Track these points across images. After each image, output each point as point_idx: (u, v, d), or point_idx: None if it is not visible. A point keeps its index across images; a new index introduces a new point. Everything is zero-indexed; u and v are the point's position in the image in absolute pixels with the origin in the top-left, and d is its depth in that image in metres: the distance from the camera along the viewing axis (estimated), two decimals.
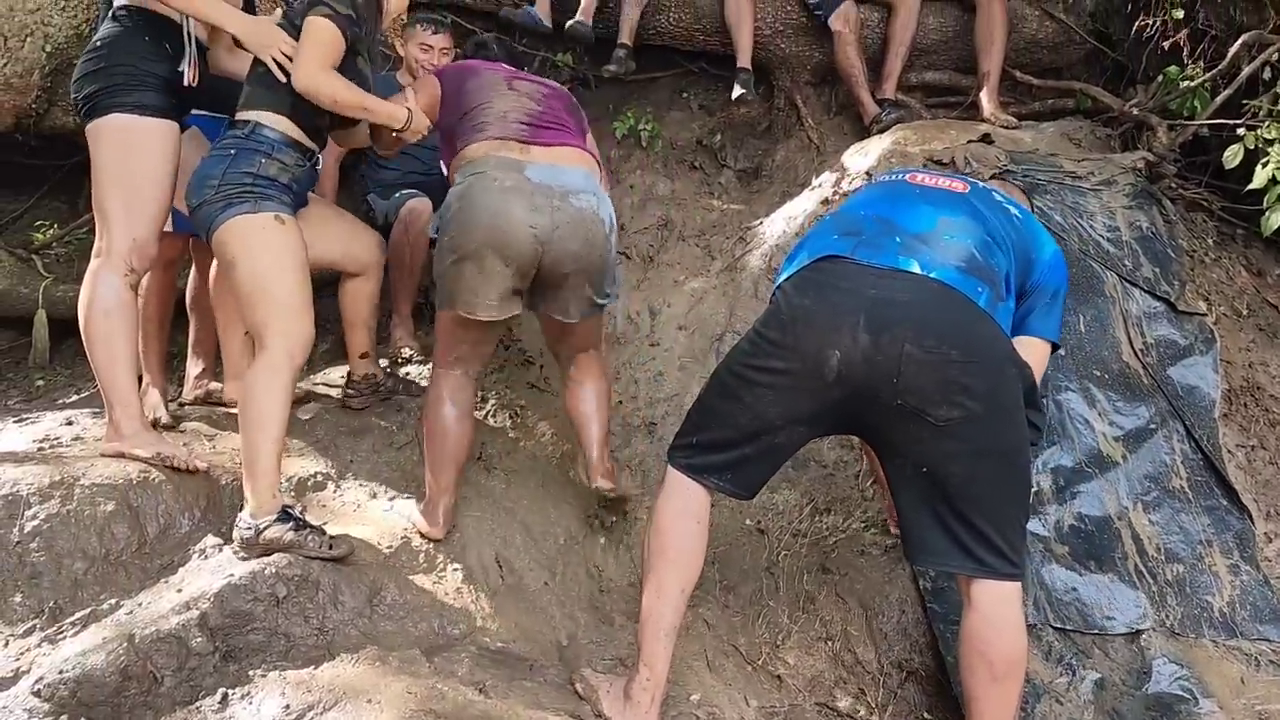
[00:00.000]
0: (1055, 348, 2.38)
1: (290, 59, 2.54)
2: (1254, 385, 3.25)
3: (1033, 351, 2.25)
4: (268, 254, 2.47)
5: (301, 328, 2.50)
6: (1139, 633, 2.69)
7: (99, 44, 2.66)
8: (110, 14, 2.71)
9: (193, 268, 3.32)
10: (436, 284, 2.77)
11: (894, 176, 2.48)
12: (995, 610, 2.04)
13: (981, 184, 2.42)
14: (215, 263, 2.95)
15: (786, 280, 2.22)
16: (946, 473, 2.01)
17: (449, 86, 2.86)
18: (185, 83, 2.71)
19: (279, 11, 2.87)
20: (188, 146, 2.82)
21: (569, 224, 2.60)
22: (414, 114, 2.74)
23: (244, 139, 2.55)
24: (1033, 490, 2.71)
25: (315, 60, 2.51)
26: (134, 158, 2.58)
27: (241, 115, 2.60)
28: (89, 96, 2.61)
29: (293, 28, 2.60)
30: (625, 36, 4.42)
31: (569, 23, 4.35)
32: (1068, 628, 2.69)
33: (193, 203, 2.55)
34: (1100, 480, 2.93)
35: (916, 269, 2.04)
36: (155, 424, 2.91)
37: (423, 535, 2.72)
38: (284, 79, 2.54)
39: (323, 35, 2.53)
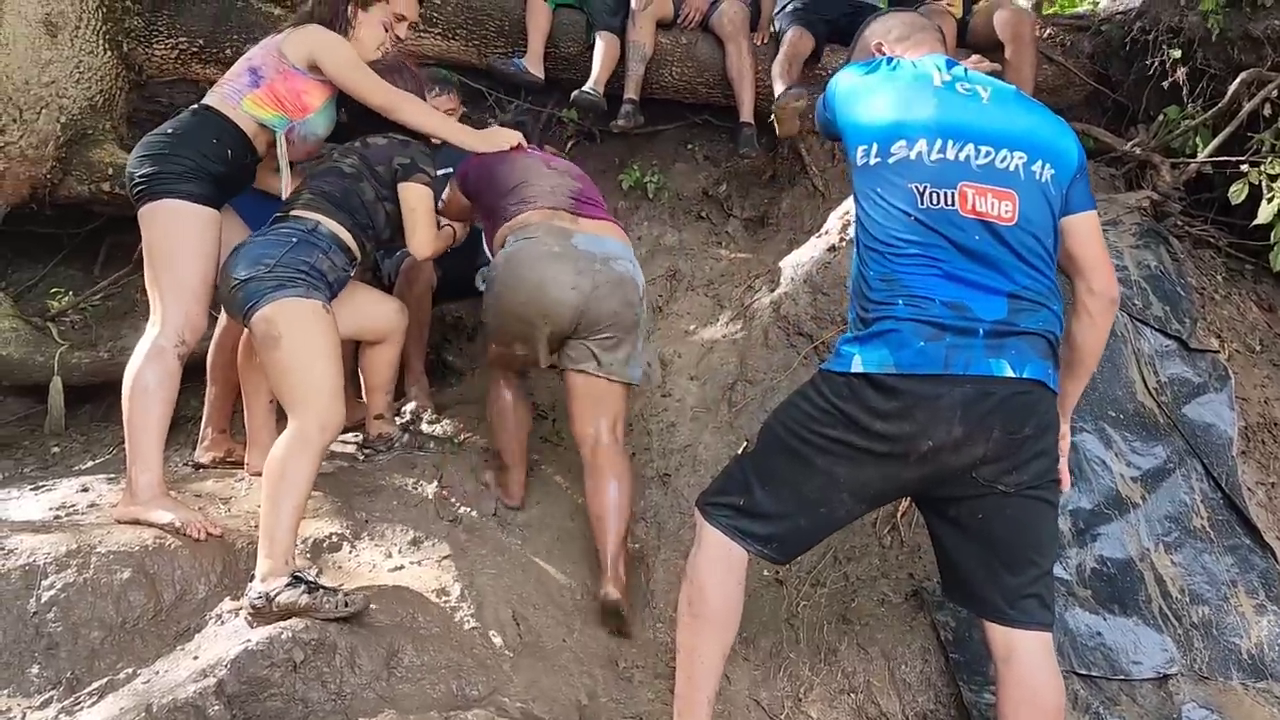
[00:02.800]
0: None
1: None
2: (1271, 421, 3.23)
3: (1085, 226, 2.17)
4: (312, 337, 2.60)
5: (336, 410, 2.60)
6: (1166, 677, 2.65)
7: (170, 131, 2.85)
8: (190, 108, 2.94)
9: (218, 330, 3.35)
10: (484, 323, 3.18)
11: (941, 199, 2.07)
12: (1042, 659, 2.09)
13: (1018, 167, 2.09)
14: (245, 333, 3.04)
15: (872, 374, 2.03)
16: (1005, 531, 2.07)
17: (477, 176, 3.16)
18: (283, 198, 3.00)
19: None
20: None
21: (609, 285, 2.87)
22: (457, 231, 3.34)
23: (306, 233, 2.74)
24: None
25: (428, 229, 3.01)
26: (186, 240, 2.75)
27: (303, 214, 2.80)
28: (147, 177, 2.77)
29: (372, 173, 2.94)
30: (631, 91, 4.48)
31: (577, 92, 4.41)
32: (1094, 674, 2.65)
33: (240, 275, 2.65)
34: (1120, 522, 2.91)
35: (1009, 372, 2.00)
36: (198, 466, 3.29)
37: (505, 505, 3.17)
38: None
39: (428, 204, 3.00)
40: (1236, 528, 2.93)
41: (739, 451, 2.31)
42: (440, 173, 3.29)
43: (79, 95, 3.93)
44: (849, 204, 4.00)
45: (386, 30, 3.20)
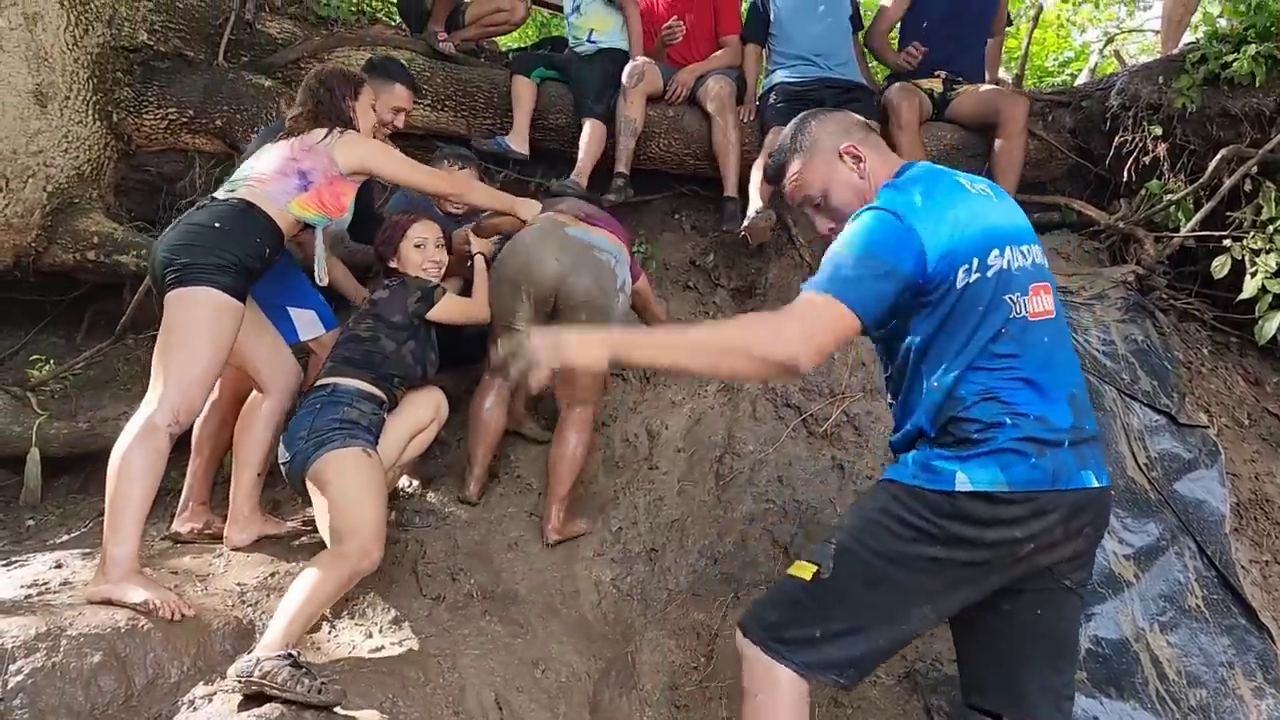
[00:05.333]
0: None
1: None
2: (1263, 498, 3.21)
3: None
4: (359, 479, 2.78)
5: (378, 547, 2.71)
6: None
7: (215, 225, 2.86)
8: (229, 201, 2.95)
9: (206, 403, 3.31)
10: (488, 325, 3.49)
11: (1024, 307, 2.03)
12: None
13: (1039, 260, 2.12)
14: (251, 397, 3.20)
15: (979, 491, 1.93)
16: (1062, 627, 2.06)
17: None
18: (318, 282, 3.26)
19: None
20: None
21: (587, 265, 3.33)
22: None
23: (327, 396, 2.97)
24: None
25: (468, 311, 3.40)
26: (209, 328, 2.79)
27: (322, 381, 3.04)
28: (186, 265, 2.80)
29: (389, 325, 3.19)
30: (622, 165, 4.52)
31: (561, 181, 4.47)
32: None
33: (286, 458, 2.90)
34: (1115, 601, 2.87)
35: (1095, 483, 1.99)
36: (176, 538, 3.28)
37: (460, 497, 3.49)
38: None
39: (455, 309, 3.34)
40: (1232, 607, 2.89)
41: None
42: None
43: (66, 164, 3.93)
44: None
45: (374, 111, 3.35)
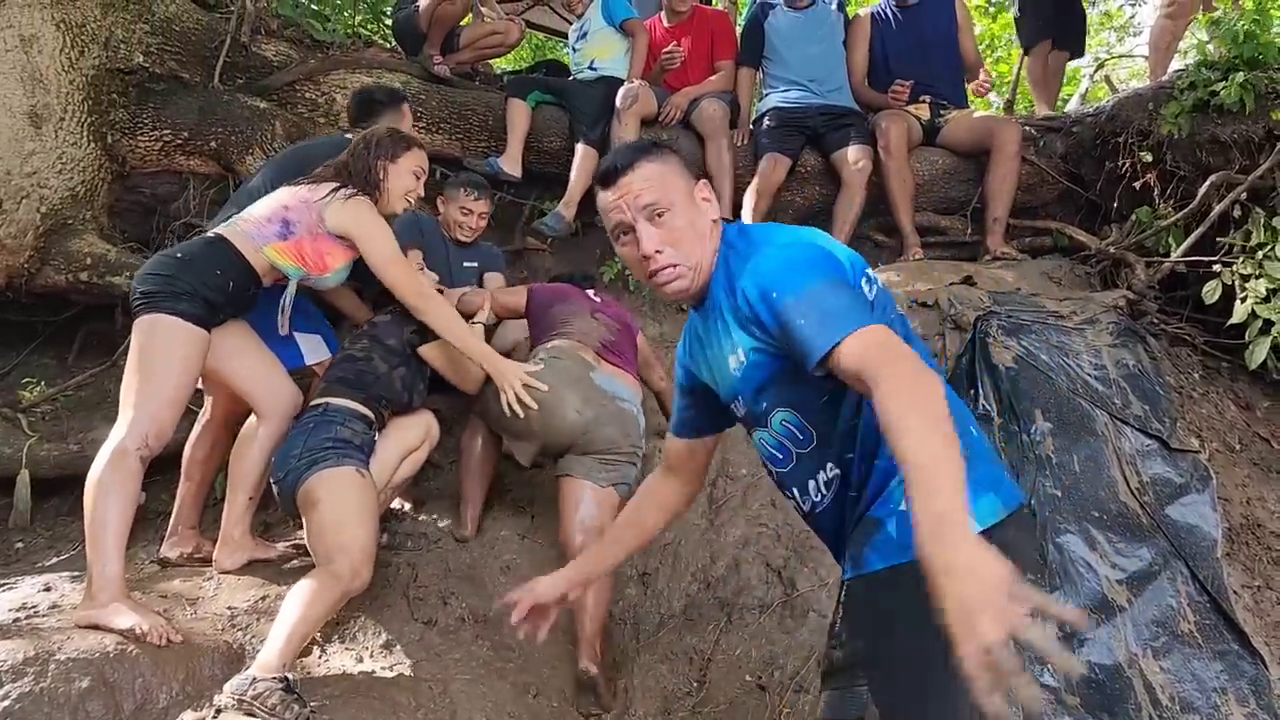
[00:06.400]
0: None
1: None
2: (1254, 522, 3.21)
3: None
4: (351, 499, 2.79)
5: (368, 567, 2.74)
6: None
7: (180, 255, 2.93)
8: (206, 234, 3.04)
9: (198, 425, 3.31)
10: (484, 406, 3.31)
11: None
12: None
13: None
14: (248, 422, 3.19)
15: (1009, 518, 1.69)
16: None
17: (538, 302, 3.60)
18: (280, 332, 3.20)
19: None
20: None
21: (610, 415, 3.20)
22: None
23: (319, 416, 2.97)
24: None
25: (459, 373, 3.32)
26: (173, 353, 2.82)
27: (315, 401, 3.05)
28: (147, 293, 2.84)
29: (384, 348, 3.20)
30: None
31: (539, 222, 4.53)
32: None
33: (279, 476, 2.89)
34: (1107, 626, 2.86)
35: None
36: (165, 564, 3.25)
37: (456, 535, 3.36)
38: (521, 412, 3.13)
39: (445, 349, 3.28)
40: (1224, 632, 2.89)
41: None
42: (467, 265, 4.06)
43: (60, 186, 3.94)
44: None
45: (417, 179, 3.22)
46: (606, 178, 1.81)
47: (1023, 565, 1.43)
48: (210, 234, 3.02)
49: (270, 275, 3.05)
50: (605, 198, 1.81)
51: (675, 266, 1.76)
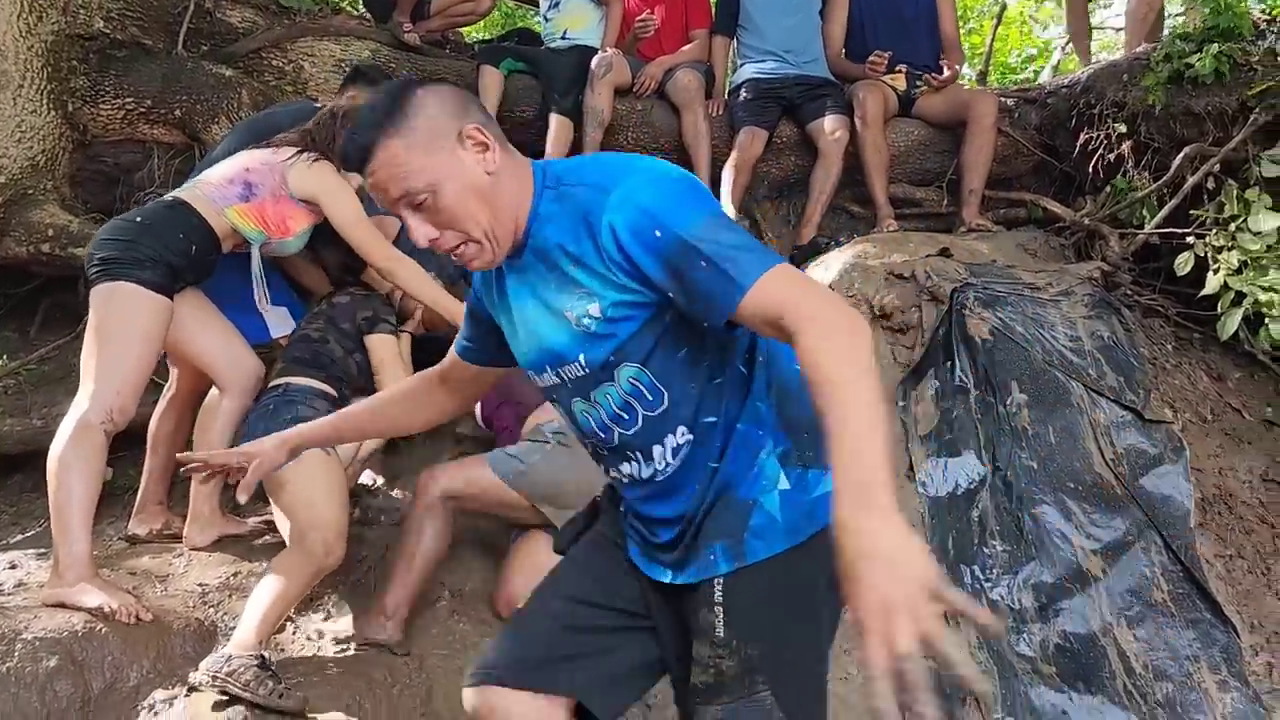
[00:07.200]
0: None
1: None
2: (1226, 492, 3.24)
3: None
4: (317, 477, 2.66)
5: (341, 544, 2.66)
6: None
7: (139, 220, 2.83)
8: (164, 199, 2.95)
9: (163, 399, 3.24)
10: (530, 479, 2.85)
11: None
12: None
13: None
14: (210, 396, 3.14)
15: None
16: None
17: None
18: (258, 306, 3.12)
19: None
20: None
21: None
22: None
23: (279, 396, 2.87)
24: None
25: (397, 377, 3.00)
26: (134, 322, 2.72)
27: (274, 382, 2.94)
28: (105, 260, 2.74)
29: (339, 331, 3.09)
30: None
31: None
32: None
33: None
34: (1082, 596, 2.88)
35: None
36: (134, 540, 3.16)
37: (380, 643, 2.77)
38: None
39: (394, 352, 3.14)
40: (1197, 601, 2.92)
41: None
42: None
43: (20, 155, 3.82)
44: (808, 272, 4.01)
45: None
46: (348, 165, 1.55)
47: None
48: (169, 198, 2.93)
49: (231, 240, 2.98)
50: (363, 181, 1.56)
51: (464, 245, 1.52)
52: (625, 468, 1.63)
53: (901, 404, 3.35)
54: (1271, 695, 2.78)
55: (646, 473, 1.60)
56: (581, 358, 1.54)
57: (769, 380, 1.58)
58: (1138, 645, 2.82)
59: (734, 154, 4.52)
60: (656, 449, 1.57)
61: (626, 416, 1.57)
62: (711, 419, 1.55)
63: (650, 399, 1.54)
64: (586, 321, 1.50)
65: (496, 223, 1.52)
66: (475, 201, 1.50)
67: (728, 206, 4.36)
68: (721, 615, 1.51)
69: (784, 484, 1.53)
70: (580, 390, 1.59)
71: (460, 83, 4.64)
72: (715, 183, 4.54)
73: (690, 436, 1.55)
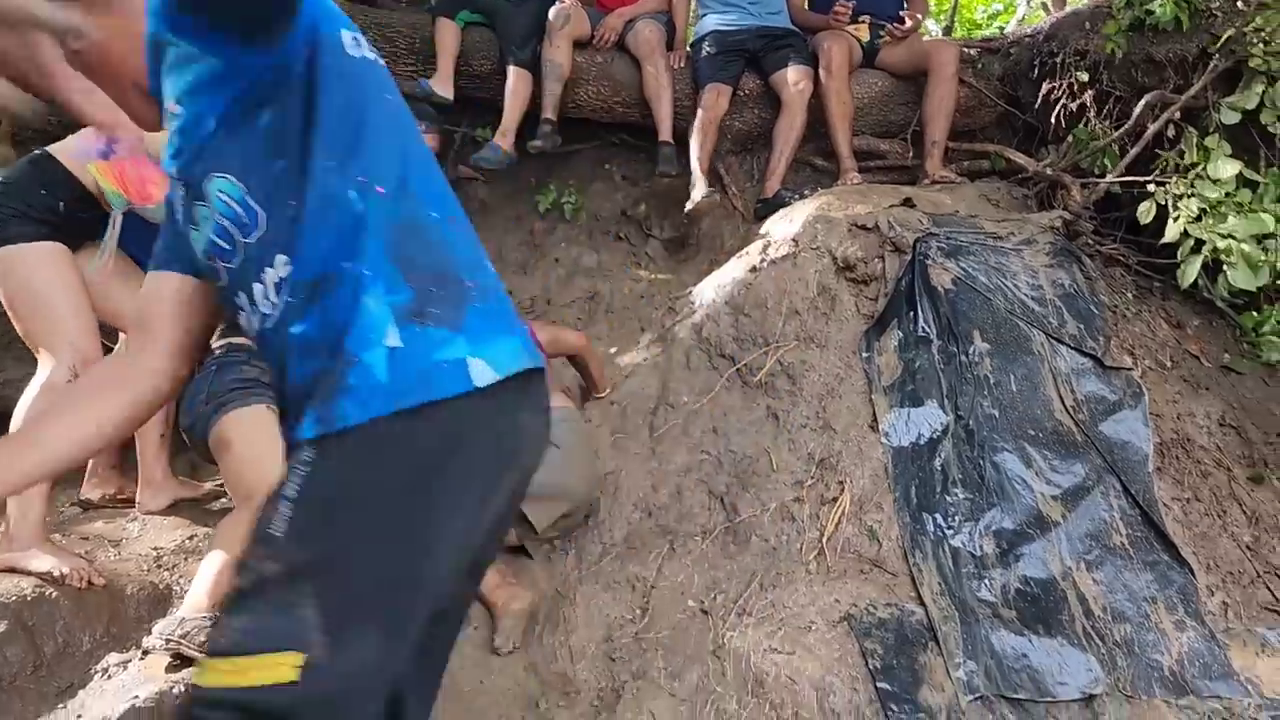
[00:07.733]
0: None
1: None
2: (1184, 437, 3.27)
3: None
4: (263, 435, 2.58)
5: None
6: (1092, 698, 2.63)
7: (3, 180, 2.70)
8: (31, 155, 2.77)
9: None
10: None
11: None
12: None
13: None
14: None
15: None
16: None
17: None
18: (94, 270, 2.77)
19: None
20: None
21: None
22: None
23: (219, 359, 2.76)
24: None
25: None
26: (41, 278, 2.62)
27: (215, 344, 2.80)
28: None
29: None
30: (549, 112, 4.40)
31: (476, 155, 4.32)
32: (1020, 696, 2.62)
33: (186, 424, 2.71)
34: (1042, 541, 2.90)
35: None
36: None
37: None
38: None
39: None
40: (1154, 544, 2.95)
41: None
42: None
43: None
44: (771, 225, 3.98)
45: None
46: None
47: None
48: (39, 151, 2.77)
49: (98, 193, 2.78)
50: None
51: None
52: (245, 312, 1.35)
53: (865, 355, 3.35)
54: (1227, 633, 2.82)
55: (257, 324, 1.32)
56: (184, 181, 1.35)
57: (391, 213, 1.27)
58: (1096, 588, 2.84)
59: (699, 113, 4.44)
60: (257, 287, 1.29)
61: (228, 248, 1.31)
62: (319, 251, 1.24)
63: (247, 221, 1.27)
64: (169, 139, 1.36)
65: None
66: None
67: (698, 171, 4.30)
68: (294, 491, 1.18)
69: (393, 341, 1.21)
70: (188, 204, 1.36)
71: (414, 36, 4.55)
72: (679, 135, 4.48)
73: (290, 269, 1.25)
